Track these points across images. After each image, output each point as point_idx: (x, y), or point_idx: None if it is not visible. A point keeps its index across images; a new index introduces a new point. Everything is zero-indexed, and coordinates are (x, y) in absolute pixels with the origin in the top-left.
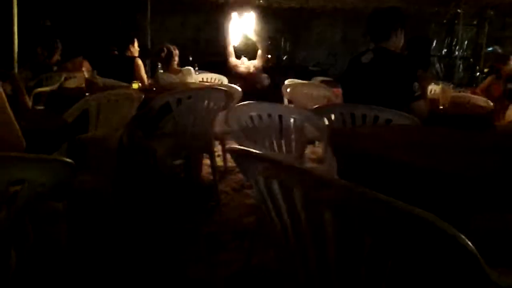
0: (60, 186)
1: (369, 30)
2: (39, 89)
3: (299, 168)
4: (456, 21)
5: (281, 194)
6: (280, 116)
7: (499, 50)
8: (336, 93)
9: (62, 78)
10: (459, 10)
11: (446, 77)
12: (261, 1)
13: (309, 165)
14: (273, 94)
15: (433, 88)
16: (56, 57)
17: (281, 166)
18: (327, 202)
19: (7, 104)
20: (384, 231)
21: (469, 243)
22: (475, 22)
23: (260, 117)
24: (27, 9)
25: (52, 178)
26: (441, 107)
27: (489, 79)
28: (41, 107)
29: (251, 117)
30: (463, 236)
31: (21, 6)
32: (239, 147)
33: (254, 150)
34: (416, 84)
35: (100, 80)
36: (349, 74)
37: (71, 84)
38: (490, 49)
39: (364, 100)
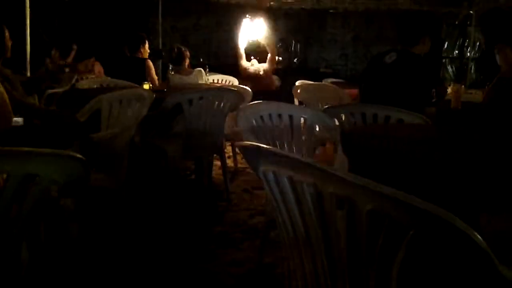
0: (73, 182)
1: (398, 32)
2: (52, 90)
3: (309, 163)
4: (468, 22)
5: (291, 189)
6: (290, 116)
7: None
8: (347, 94)
9: (74, 79)
10: (471, 11)
11: (458, 78)
12: (272, 3)
13: None
14: (284, 95)
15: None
16: (70, 58)
17: (290, 161)
18: (338, 198)
19: None
20: (397, 228)
21: (481, 239)
22: None
23: (270, 117)
24: (39, 11)
25: (64, 173)
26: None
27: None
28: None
29: (261, 117)
30: (475, 233)
31: (34, 8)
32: (249, 142)
33: (263, 145)
34: (434, 90)
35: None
36: (370, 73)
37: (83, 85)
38: None
39: (382, 99)
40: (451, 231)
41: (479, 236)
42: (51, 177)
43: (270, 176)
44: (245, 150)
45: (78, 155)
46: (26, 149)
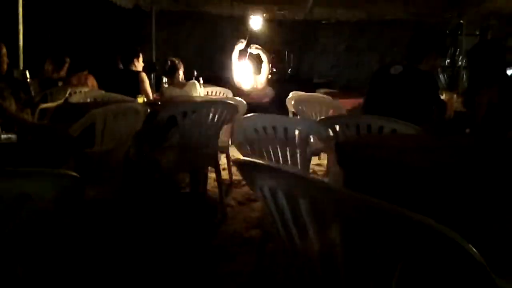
0: (67, 199)
1: (407, 49)
2: (45, 105)
3: (305, 177)
4: (459, 32)
5: (287, 205)
6: (285, 128)
7: None
8: (341, 105)
9: (68, 93)
10: (461, 21)
11: (450, 87)
12: (265, 14)
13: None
14: (278, 106)
15: None
16: (63, 72)
17: (286, 176)
18: (334, 212)
19: None
20: (393, 241)
21: (476, 252)
22: (477, 32)
23: (265, 129)
24: (32, 23)
25: (58, 191)
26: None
27: None
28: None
29: (256, 130)
30: (470, 246)
31: (27, 21)
32: (244, 158)
33: (259, 161)
34: (435, 108)
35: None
36: (375, 83)
37: (77, 99)
38: None
39: (385, 110)
40: (447, 244)
41: (475, 250)
42: (45, 195)
43: (266, 190)
44: (241, 165)
45: (72, 173)
46: (19, 169)
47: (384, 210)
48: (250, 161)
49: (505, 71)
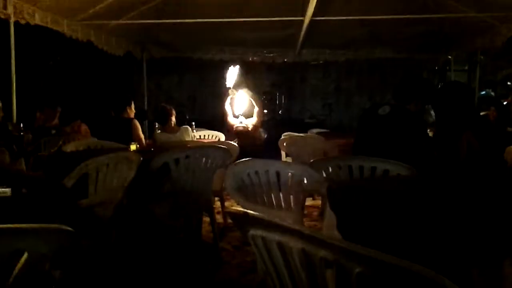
0: (60, 254)
1: (395, 89)
2: (41, 153)
3: (296, 229)
4: (447, 67)
5: (280, 254)
6: (277, 172)
7: (492, 93)
8: (333, 144)
9: (61, 142)
10: (449, 57)
11: None
12: (255, 58)
13: (308, 220)
14: (271, 148)
15: None
16: (56, 120)
17: (278, 227)
18: (325, 261)
19: None
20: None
21: None
22: (466, 68)
23: (257, 173)
24: (25, 73)
25: (53, 247)
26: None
27: None
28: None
29: (248, 174)
30: None
31: (20, 71)
32: (237, 209)
33: (252, 212)
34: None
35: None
36: (364, 124)
37: (70, 147)
38: (483, 92)
39: (374, 150)
40: None
41: None
42: (40, 251)
43: (259, 241)
44: (233, 216)
45: (67, 228)
46: (14, 226)
47: (377, 259)
48: (243, 212)
49: (476, 112)
